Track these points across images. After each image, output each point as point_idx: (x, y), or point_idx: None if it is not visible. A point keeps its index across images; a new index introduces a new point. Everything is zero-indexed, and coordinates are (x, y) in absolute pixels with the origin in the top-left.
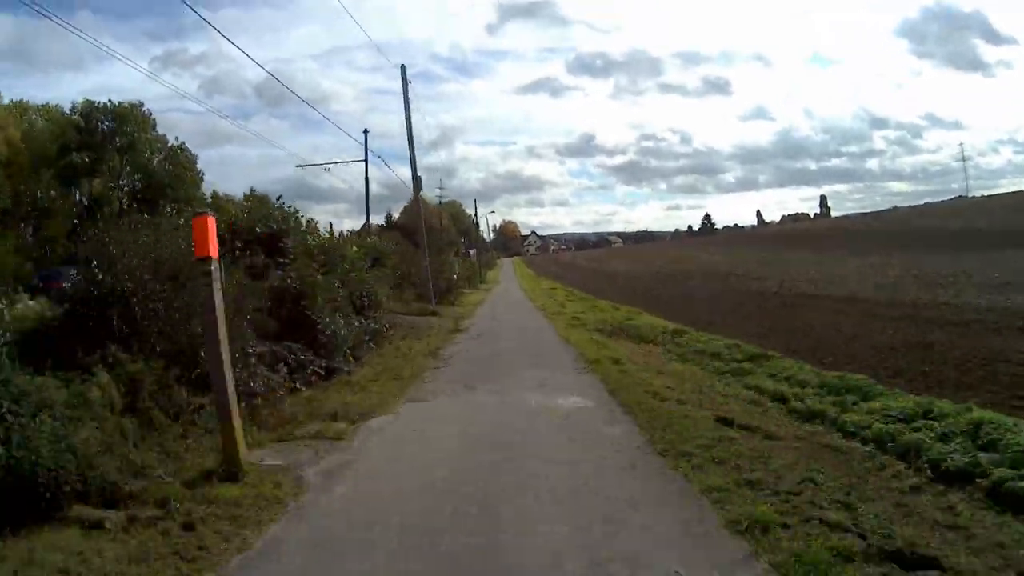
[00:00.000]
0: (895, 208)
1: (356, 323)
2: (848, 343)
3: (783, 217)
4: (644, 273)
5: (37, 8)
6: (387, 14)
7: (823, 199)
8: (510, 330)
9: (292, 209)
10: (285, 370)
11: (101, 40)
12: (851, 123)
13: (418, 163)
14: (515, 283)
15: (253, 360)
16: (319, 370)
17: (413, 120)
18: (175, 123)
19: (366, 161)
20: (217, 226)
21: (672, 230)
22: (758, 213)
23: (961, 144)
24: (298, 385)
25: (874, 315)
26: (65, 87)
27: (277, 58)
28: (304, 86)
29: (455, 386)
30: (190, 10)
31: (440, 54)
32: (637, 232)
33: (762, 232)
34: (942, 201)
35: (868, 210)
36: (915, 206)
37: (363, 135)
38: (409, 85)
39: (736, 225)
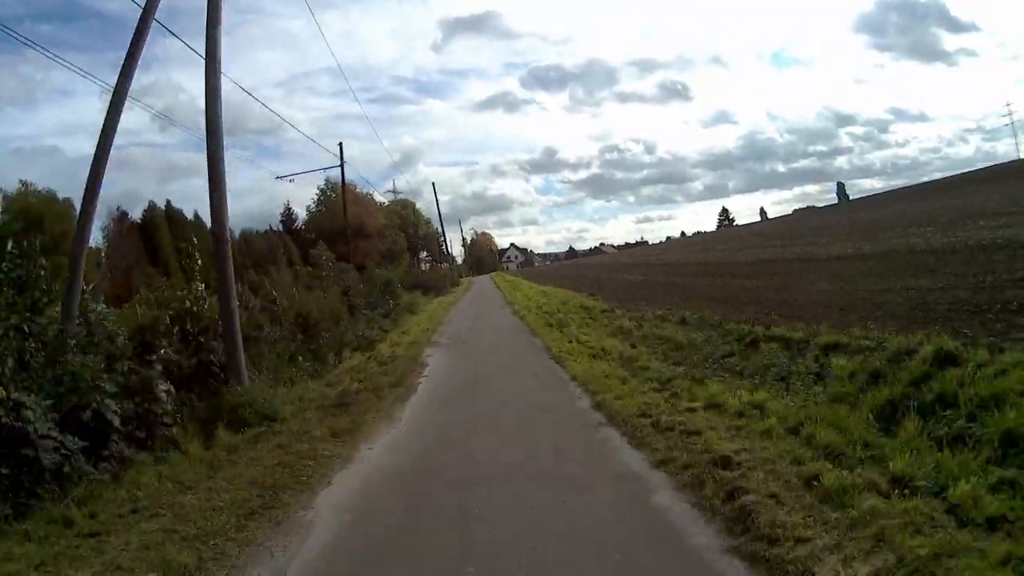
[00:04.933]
0: (942, 179)
1: None
2: None
3: (795, 210)
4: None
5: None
6: (349, 38)
7: (840, 185)
8: None
9: None
10: None
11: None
12: (816, 122)
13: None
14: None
15: None
16: None
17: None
18: (134, 159)
19: (342, 166)
20: None
21: (665, 238)
22: (761, 210)
23: (1009, 104)
24: None
25: None
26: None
27: (235, 88)
28: (260, 113)
29: None
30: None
31: (399, 75)
32: (625, 242)
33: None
34: (995, 164)
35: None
36: (964, 172)
37: (338, 147)
38: None
39: (732, 221)
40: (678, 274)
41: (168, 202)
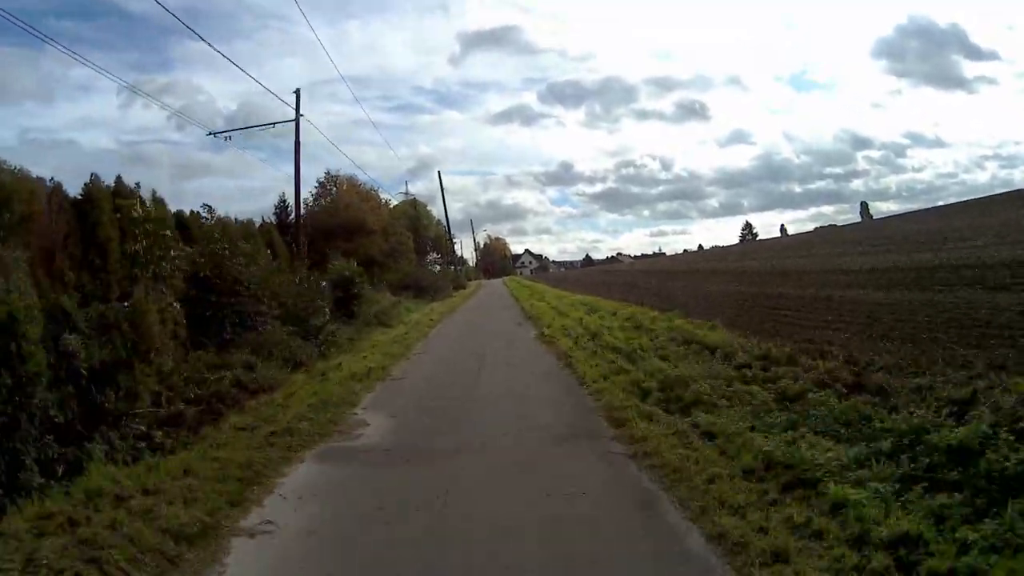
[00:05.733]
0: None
1: None
2: None
3: (816, 228)
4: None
5: (40, 35)
6: (370, 48)
7: (864, 204)
8: None
9: None
10: None
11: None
12: (833, 144)
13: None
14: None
15: None
16: None
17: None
18: (150, 155)
19: (297, 121)
20: None
21: (682, 250)
22: (782, 227)
23: None
24: None
25: None
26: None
27: (253, 90)
28: (275, 115)
29: None
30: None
31: (419, 85)
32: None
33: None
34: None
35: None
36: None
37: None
38: None
39: (756, 236)
40: (798, 284)
41: (119, 177)
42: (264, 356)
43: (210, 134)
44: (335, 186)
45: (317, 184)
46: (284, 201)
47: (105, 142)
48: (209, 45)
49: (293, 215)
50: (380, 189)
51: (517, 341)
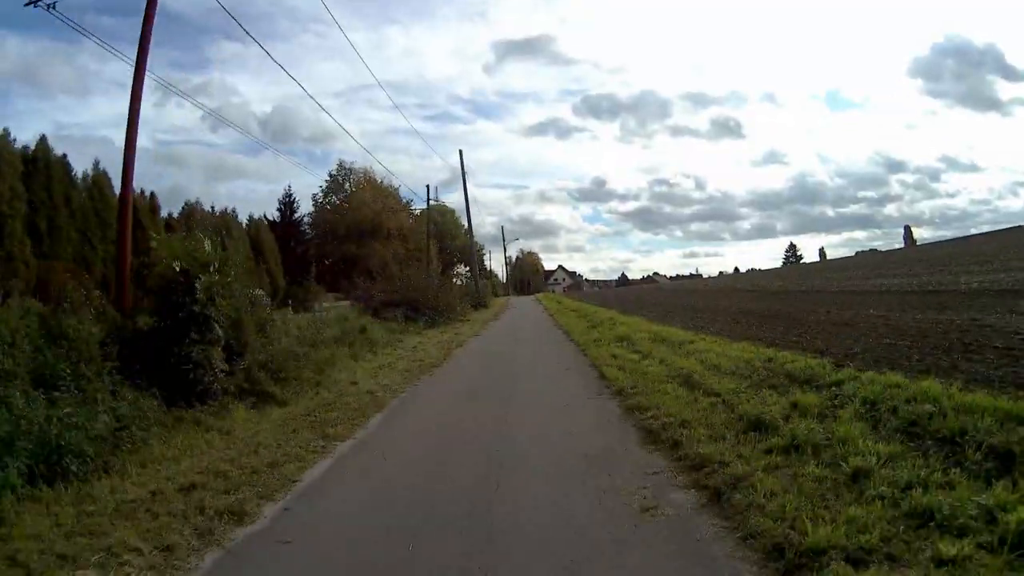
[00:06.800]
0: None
1: None
2: None
3: (857, 252)
4: None
5: (76, 27)
6: (409, 55)
7: (908, 229)
8: None
9: None
10: None
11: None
12: (867, 167)
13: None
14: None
15: None
16: None
17: None
18: (183, 156)
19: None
20: None
21: (717, 273)
22: (821, 250)
23: None
24: None
25: None
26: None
27: (289, 94)
28: (309, 120)
29: None
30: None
31: (456, 94)
32: (677, 274)
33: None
34: None
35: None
36: None
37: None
38: None
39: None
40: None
41: (43, 136)
42: None
43: (28, 4)
44: (349, 181)
45: (328, 178)
46: (290, 195)
47: (140, 140)
48: (261, 47)
49: (299, 212)
50: (400, 187)
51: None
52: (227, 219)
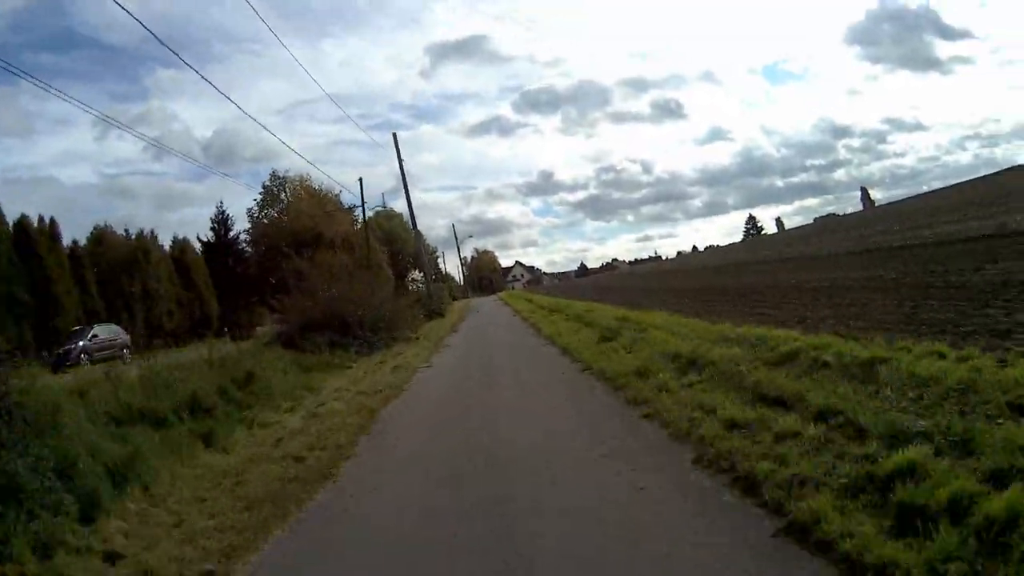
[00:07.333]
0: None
1: None
2: None
3: (815, 219)
4: None
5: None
6: (347, 67)
7: (864, 190)
8: None
9: None
10: None
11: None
12: (812, 135)
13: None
14: None
15: None
16: None
17: None
18: (130, 187)
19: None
20: None
21: (675, 253)
22: (778, 220)
23: None
24: None
25: None
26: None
27: (230, 116)
28: (251, 140)
29: None
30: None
31: (397, 101)
32: (635, 259)
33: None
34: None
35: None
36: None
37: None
38: None
39: (761, 230)
40: None
41: None
42: None
43: None
44: (284, 191)
45: (262, 189)
46: (223, 212)
47: (86, 176)
48: (193, 69)
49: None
50: (342, 192)
51: None
52: (143, 243)
